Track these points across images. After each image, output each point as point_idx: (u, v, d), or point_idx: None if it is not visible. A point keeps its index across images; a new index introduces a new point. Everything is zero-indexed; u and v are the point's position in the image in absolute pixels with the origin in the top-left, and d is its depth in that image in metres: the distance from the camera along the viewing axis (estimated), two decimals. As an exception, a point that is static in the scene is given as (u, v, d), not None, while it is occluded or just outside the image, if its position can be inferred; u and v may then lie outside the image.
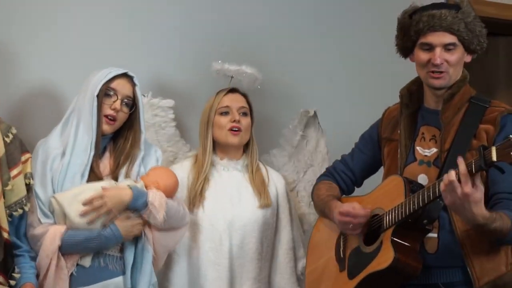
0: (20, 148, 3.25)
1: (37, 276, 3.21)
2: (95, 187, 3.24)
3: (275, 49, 4.26)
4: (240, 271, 3.58)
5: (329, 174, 3.49)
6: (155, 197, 3.27)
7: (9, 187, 3.14)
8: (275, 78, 4.16)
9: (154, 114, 3.78)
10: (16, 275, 3.13)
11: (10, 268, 3.12)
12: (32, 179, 3.27)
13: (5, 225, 3.11)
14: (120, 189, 3.26)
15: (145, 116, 3.55)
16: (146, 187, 3.32)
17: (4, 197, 3.13)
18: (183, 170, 3.66)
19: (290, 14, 4.32)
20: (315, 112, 3.89)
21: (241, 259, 3.59)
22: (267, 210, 3.65)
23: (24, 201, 3.20)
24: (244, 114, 3.69)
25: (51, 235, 3.20)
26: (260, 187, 3.66)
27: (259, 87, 3.84)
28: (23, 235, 3.24)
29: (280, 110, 4.19)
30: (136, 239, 3.30)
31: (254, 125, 3.75)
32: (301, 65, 4.29)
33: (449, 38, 3.09)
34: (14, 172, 3.18)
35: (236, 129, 3.65)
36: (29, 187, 3.25)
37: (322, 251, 3.40)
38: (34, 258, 3.23)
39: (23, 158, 3.25)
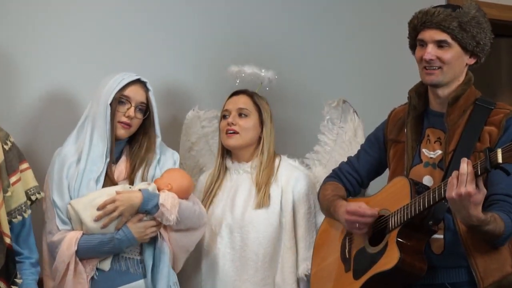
0: (18, 156, 3.25)
1: (39, 282, 3.26)
2: (109, 192, 3.28)
3: (291, 51, 4.27)
4: (241, 273, 3.58)
5: (335, 175, 3.51)
6: (167, 199, 3.29)
7: (9, 194, 3.15)
8: (292, 80, 4.18)
9: (202, 126, 3.82)
10: (18, 281, 3.14)
11: (12, 274, 3.12)
12: (39, 193, 3.29)
13: (7, 231, 3.12)
14: (131, 192, 3.29)
15: (195, 128, 3.79)
16: (158, 189, 3.34)
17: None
18: (205, 175, 3.73)
19: (306, 15, 4.33)
20: (345, 101, 3.86)
21: (242, 260, 3.59)
22: (267, 210, 3.61)
23: (23, 208, 3.21)
24: (244, 115, 3.68)
25: (67, 241, 3.24)
26: (261, 186, 3.64)
27: (267, 89, 3.85)
28: (24, 241, 3.25)
29: (298, 112, 4.21)
30: (154, 242, 3.33)
31: (281, 129, 3.76)
32: (317, 66, 4.31)
33: (440, 35, 3.12)
34: (13, 179, 3.19)
35: (231, 131, 3.66)
36: (33, 201, 3.27)
37: (327, 251, 3.42)
38: (34, 265, 3.26)
39: (21, 167, 3.25)
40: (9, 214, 3.16)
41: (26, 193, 3.25)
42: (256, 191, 3.64)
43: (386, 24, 4.36)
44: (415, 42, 3.22)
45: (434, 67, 3.13)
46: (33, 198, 3.27)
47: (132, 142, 3.47)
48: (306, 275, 3.57)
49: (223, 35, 4.17)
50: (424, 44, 3.15)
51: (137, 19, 4.01)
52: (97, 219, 3.25)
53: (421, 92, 3.28)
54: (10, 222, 3.16)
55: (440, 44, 3.12)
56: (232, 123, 3.65)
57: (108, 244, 3.25)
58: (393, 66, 4.29)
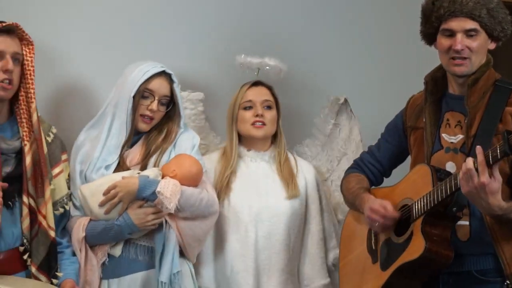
0: (61, 147, 3.32)
1: None
2: (117, 178, 3.28)
3: (301, 39, 4.22)
4: (267, 263, 3.58)
5: (357, 166, 3.48)
6: (166, 186, 3.24)
7: (52, 186, 3.20)
8: (302, 68, 4.13)
9: (184, 107, 3.76)
10: (59, 274, 3.19)
11: (53, 267, 3.18)
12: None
13: (53, 224, 3.18)
14: (130, 178, 3.27)
15: None
16: (164, 175, 3.31)
17: None
18: (210, 162, 3.67)
19: (314, 3, 4.28)
20: (345, 99, 3.86)
21: (268, 250, 3.58)
22: (295, 200, 3.63)
23: (65, 200, 3.28)
24: (268, 107, 3.68)
25: (76, 227, 3.28)
26: (288, 178, 3.64)
27: (282, 79, 3.82)
28: (64, 231, 3.31)
29: (308, 101, 4.15)
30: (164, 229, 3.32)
31: (282, 116, 3.73)
32: (327, 54, 4.25)
33: (470, 24, 3.05)
34: (56, 170, 3.25)
35: (260, 123, 3.65)
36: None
37: (354, 244, 3.40)
38: (73, 252, 3.30)
39: (63, 157, 3.32)
40: (52, 205, 3.20)
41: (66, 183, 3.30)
42: (283, 182, 3.64)
43: (398, 9, 4.29)
44: (433, 31, 3.15)
45: (463, 57, 3.07)
46: (68, 185, 3.32)
47: (151, 130, 3.45)
48: (334, 265, 3.61)
49: (232, 25, 4.13)
50: (451, 33, 3.08)
51: (154, 10, 4.01)
52: (101, 205, 3.26)
53: (438, 77, 3.23)
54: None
55: (469, 33, 3.06)
56: (262, 115, 3.64)
57: (110, 231, 3.26)
58: (406, 51, 4.22)
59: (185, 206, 3.28)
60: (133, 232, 3.28)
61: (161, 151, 3.41)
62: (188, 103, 3.85)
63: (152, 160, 3.39)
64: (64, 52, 3.80)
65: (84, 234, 3.25)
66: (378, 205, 3.17)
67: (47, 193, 3.16)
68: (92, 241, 3.28)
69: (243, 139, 3.72)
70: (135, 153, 3.41)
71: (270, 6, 4.20)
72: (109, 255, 3.30)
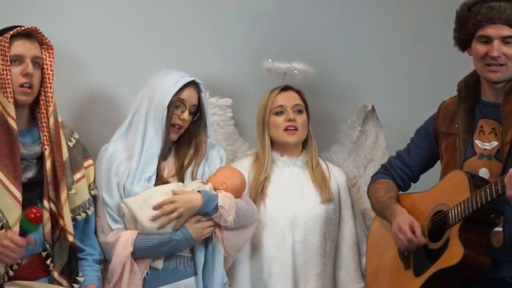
0: (83, 153, 3.29)
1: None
2: (165, 191, 3.26)
3: (331, 44, 4.21)
4: (304, 268, 3.56)
5: (385, 171, 3.47)
6: (225, 200, 3.27)
7: (73, 191, 3.16)
8: (331, 73, 4.12)
9: (212, 113, 3.76)
10: (80, 279, 3.15)
11: (74, 271, 3.14)
12: (97, 189, 3.30)
13: (70, 229, 3.13)
14: (191, 194, 3.27)
15: None
16: (214, 188, 3.32)
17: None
18: (243, 168, 3.63)
19: (343, 8, 4.28)
20: (373, 107, 3.86)
21: (305, 255, 3.57)
22: (329, 205, 3.62)
23: (87, 205, 3.22)
24: (299, 111, 3.66)
25: (123, 242, 3.22)
26: (321, 182, 3.63)
27: (309, 84, 3.80)
28: (88, 238, 3.26)
29: (337, 106, 4.15)
30: (206, 240, 3.31)
31: (311, 121, 3.72)
32: (357, 59, 4.24)
33: (508, 31, 3.07)
34: (77, 176, 3.21)
35: (292, 128, 3.62)
36: (94, 197, 3.29)
37: (382, 250, 3.39)
38: (97, 261, 3.27)
39: (85, 163, 3.28)
40: (72, 211, 3.17)
41: (88, 188, 3.26)
42: (315, 186, 3.63)
43: (430, 15, 4.30)
44: (468, 38, 3.16)
45: (499, 64, 3.08)
46: (92, 193, 3.27)
47: (179, 140, 3.44)
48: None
49: (261, 30, 4.12)
50: (488, 40, 3.09)
51: (179, 15, 3.98)
52: (153, 219, 3.22)
53: (470, 84, 3.24)
54: (74, 219, 3.17)
55: (505, 40, 3.07)
56: (294, 119, 3.62)
57: (166, 245, 3.24)
58: (438, 57, 4.22)
59: (238, 218, 3.30)
60: (189, 246, 3.27)
61: (196, 163, 3.41)
62: (217, 109, 3.85)
63: (188, 172, 3.39)
64: (86, 57, 3.76)
65: (132, 249, 3.21)
66: (407, 226, 3.17)
67: (63, 197, 3.12)
68: (141, 255, 3.24)
69: (275, 145, 3.70)
70: (171, 165, 3.40)
71: (299, 12, 4.18)
72: (150, 268, 3.27)
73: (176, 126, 3.35)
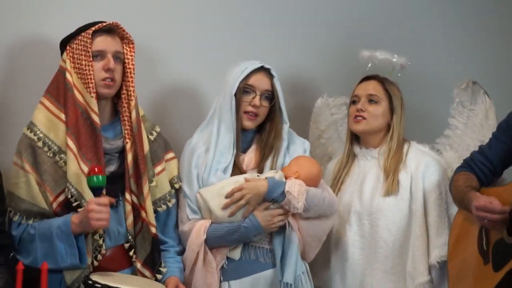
0: (164, 146, 3.36)
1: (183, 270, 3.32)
2: (237, 180, 3.30)
3: (418, 34, 4.23)
4: (371, 261, 3.54)
5: (467, 165, 3.42)
6: (293, 186, 3.27)
7: (153, 184, 3.24)
8: (418, 64, 4.05)
9: (331, 113, 3.80)
10: (163, 269, 3.22)
11: (157, 263, 3.22)
12: (180, 181, 3.37)
13: (153, 220, 3.21)
14: (257, 180, 3.30)
15: (324, 116, 3.80)
16: (286, 177, 3.33)
17: None
18: (332, 163, 3.69)
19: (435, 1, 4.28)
20: (475, 82, 3.73)
21: (372, 248, 3.54)
22: (396, 197, 3.55)
23: (168, 197, 3.30)
24: (373, 101, 3.63)
25: (197, 230, 3.29)
26: (390, 174, 3.57)
27: (399, 75, 3.77)
28: (169, 231, 3.34)
29: (425, 97, 4.15)
30: (284, 231, 3.32)
31: (401, 113, 3.66)
32: (445, 49, 4.24)
33: None
34: (158, 168, 3.28)
35: (359, 117, 3.61)
36: (177, 190, 3.36)
37: (464, 244, 3.34)
38: (179, 253, 3.34)
39: (166, 156, 3.35)
40: (154, 203, 3.25)
41: (170, 182, 3.34)
42: (384, 177, 3.58)
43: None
44: None
45: None
46: (176, 186, 3.35)
47: (261, 131, 3.47)
48: (438, 262, 3.49)
49: (350, 21, 4.13)
50: None
51: (262, 8, 4.02)
52: (224, 207, 3.27)
53: None
54: (155, 212, 3.24)
55: None
56: (361, 109, 3.61)
57: (235, 233, 3.27)
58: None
59: (310, 206, 3.30)
60: (258, 234, 3.29)
61: (275, 152, 3.42)
62: (334, 109, 3.90)
63: (268, 163, 3.41)
64: (169, 52, 3.82)
65: (205, 237, 3.27)
66: (483, 201, 3.12)
67: (145, 190, 3.19)
68: (213, 244, 3.29)
69: (359, 137, 3.70)
70: (251, 158, 3.43)
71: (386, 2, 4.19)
72: (227, 258, 3.31)
73: (250, 113, 3.38)
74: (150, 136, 3.30)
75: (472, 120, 3.74)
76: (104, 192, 3.07)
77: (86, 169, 3.08)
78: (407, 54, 3.80)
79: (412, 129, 3.79)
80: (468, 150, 3.63)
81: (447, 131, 3.81)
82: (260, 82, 3.39)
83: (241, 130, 3.40)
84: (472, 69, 4.23)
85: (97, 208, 2.98)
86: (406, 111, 3.70)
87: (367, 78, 3.69)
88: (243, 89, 3.37)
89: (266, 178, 3.30)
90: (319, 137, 3.89)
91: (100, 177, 3.04)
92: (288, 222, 3.32)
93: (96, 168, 3.04)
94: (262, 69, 3.40)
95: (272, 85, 3.41)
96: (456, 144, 3.76)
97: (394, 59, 3.74)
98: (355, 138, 3.71)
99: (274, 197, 3.27)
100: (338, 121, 3.90)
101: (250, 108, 3.37)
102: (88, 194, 3.07)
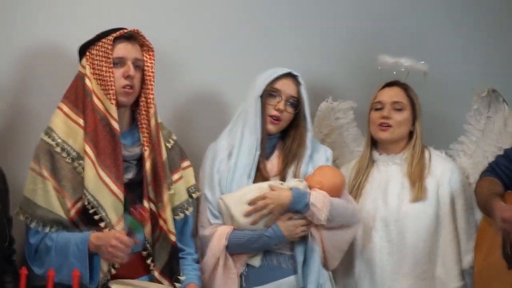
0: (180, 154, 3.33)
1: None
2: (261, 188, 3.29)
3: (436, 41, 4.23)
4: (399, 267, 3.51)
5: (491, 169, 3.41)
6: (318, 198, 3.26)
7: (171, 191, 3.21)
8: (436, 71, 4.02)
9: (336, 118, 3.79)
10: (181, 278, 3.19)
11: (176, 271, 3.19)
12: (198, 191, 3.35)
13: (172, 228, 3.18)
14: (282, 190, 3.28)
15: (328, 120, 3.75)
16: (310, 187, 3.31)
17: None
18: (347, 169, 3.67)
19: (453, 6, 4.29)
20: (494, 90, 3.72)
21: (396, 255, 3.52)
22: (423, 203, 3.53)
23: (186, 206, 3.27)
24: (398, 109, 3.61)
25: (218, 235, 3.27)
26: (416, 180, 3.56)
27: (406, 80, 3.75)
28: (187, 238, 3.31)
29: (442, 103, 4.14)
30: (305, 238, 3.30)
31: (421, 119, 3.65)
32: (462, 56, 4.24)
33: None
34: (175, 176, 3.26)
35: (385, 125, 3.59)
36: (194, 199, 3.34)
37: (489, 249, 3.32)
38: (196, 261, 3.31)
39: (183, 165, 3.32)
40: (172, 211, 3.20)
41: (188, 190, 3.31)
42: (410, 184, 3.56)
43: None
44: None
45: None
46: (194, 196, 3.32)
47: (285, 137, 3.46)
48: (472, 267, 3.46)
49: (370, 28, 4.14)
50: None
51: (282, 15, 4.02)
52: (247, 215, 3.26)
53: None
54: (173, 219, 3.21)
55: None
56: (388, 117, 3.58)
57: (257, 241, 3.26)
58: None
59: (333, 216, 3.28)
60: (280, 243, 3.28)
61: (298, 160, 3.40)
62: (340, 113, 3.88)
63: (291, 170, 3.40)
64: (190, 59, 3.82)
65: (226, 243, 3.25)
66: (508, 213, 3.09)
67: (165, 197, 3.17)
68: (234, 250, 3.27)
69: (377, 143, 3.67)
70: (273, 164, 3.42)
71: (407, 6, 4.19)
72: (247, 265, 3.29)
73: (274, 118, 3.37)
74: (167, 144, 3.29)
75: (489, 127, 3.73)
76: (136, 237, 3.04)
77: (104, 176, 3.06)
78: (423, 60, 3.79)
79: (427, 135, 3.77)
80: (484, 156, 3.64)
81: (461, 137, 3.80)
82: (286, 87, 3.39)
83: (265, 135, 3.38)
84: (489, 75, 4.23)
85: (119, 246, 2.96)
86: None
87: (389, 85, 3.67)
88: (269, 92, 3.37)
89: (290, 188, 3.28)
90: (322, 141, 3.84)
91: (141, 226, 3.05)
92: (311, 233, 3.30)
93: (141, 215, 3.04)
94: (289, 75, 3.41)
95: (298, 92, 3.41)
96: (470, 151, 3.75)
97: (419, 66, 3.72)
98: (373, 143, 3.69)
99: (298, 208, 3.26)
100: (343, 125, 3.89)
101: (274, 112, 3.36)
102: (106, 205, 3.05)
